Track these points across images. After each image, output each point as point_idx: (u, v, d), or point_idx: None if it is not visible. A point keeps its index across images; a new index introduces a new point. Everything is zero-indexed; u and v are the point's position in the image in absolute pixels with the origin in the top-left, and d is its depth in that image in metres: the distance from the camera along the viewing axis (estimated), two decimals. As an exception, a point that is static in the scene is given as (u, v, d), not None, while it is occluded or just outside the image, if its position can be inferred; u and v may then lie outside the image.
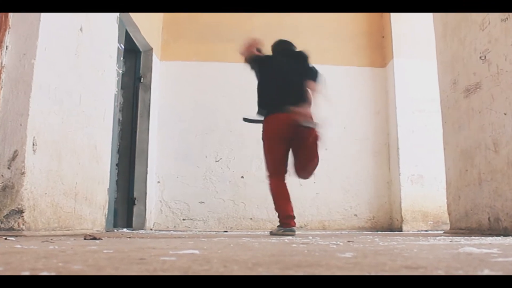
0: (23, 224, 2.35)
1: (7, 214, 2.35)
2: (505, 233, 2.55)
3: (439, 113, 3.51)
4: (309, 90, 3.40)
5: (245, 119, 3.53)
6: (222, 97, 5.28)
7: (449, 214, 3.34)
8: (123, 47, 4.27)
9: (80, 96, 3.05)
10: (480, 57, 2.89)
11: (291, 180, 5.12)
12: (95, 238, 2.14)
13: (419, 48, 5.10)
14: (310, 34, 5.45)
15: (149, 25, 4.96)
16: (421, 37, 5.03)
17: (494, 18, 2.76)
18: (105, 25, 3.52)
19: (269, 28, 5.19)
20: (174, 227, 5.04)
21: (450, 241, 1.97)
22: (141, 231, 4.17)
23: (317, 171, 5.13)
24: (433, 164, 4.64)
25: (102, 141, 3.44)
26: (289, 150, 3.40)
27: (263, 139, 3.40)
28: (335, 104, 5.30)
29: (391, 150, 5.21)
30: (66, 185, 2.83)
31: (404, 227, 4.79)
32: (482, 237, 2.38)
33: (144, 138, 4.89)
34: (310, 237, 2.59)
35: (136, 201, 4.80)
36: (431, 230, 4.64)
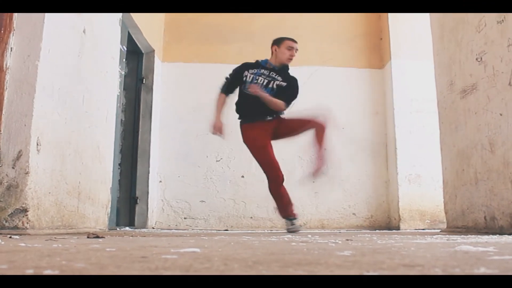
0: (27, 223, 2.38)
1: (12, 213, 2.37)
2: (501, 231, 2.57)
3: (436, 113, 3.54)
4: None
5: None
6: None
7: (446, 213, 3.37)
8: (125, 48, 4.30)
9: (83, 97, 3.08)
10: (477, 59, 2.92)
11: (290, 180, 5.17)
12: (98, 237, 2.14)
13: (416, 50, 5.12)
14: (310, 36, 5.49)
15: (151, 27, 4.99)
16: (419, 39, 5.05)
17: (490, 20, 2.79)
18: (107, 27, 3.55)
19: (269, 29, 5.22)
20: (176, 225, 5.08)
21: (447, 240, 1.97)
22: (143, 230, 4.20)
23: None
24: (430, 164, 4.67)
25: (104, 141, 3.47)
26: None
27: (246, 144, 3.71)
28: (334, 105, 5.34)
29: (389, 150, 5.25)
30: (69, 184, 2.86)
31: (401, 226, 4.82)
32: (478, 236, 2.38)
33: (146, 139, 4.93)
34: (309, 236, 2.59)
35: (138, 200, 4.84)
36: (428, 229, 4.66)
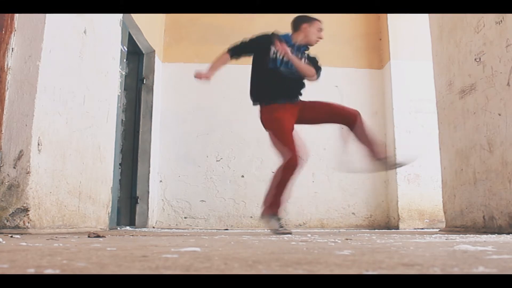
0: (28, 222, 2.39)
1: (13, 212, 2.38)
2: (499, 231, 2.59)
3: (435, 114, 3.56)
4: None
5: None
6: (223, 98, 5.32)
7: (444, 212, 3.38)
8: (126, 49, 4.31)
9: (84, 97, 3.09)
10: (475, 59, 2.94)
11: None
12: (98, 236, 2.15)
13: (415, 50, 5.13)
14: (310, 36, 5.49)
15: (151, 27, 5.00)
16: (418, 39, 5.05)
17: (488, 20, 2.80)
18: (108, 27, 3.55)
19: (269, 29, 5.21)
20: (176, 225, 5.09)
21: (446, 239, 1.99)
22: (143, 229, 4.22)
23: (315, 170, 5.20)
24: (429, 163, 4.68)
25: (105, 141, 3.48)
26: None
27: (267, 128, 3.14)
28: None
29: (388, 150, 5.24)
30: (70, 184, 2.87)
31: (400, 225, 4.83)
32: (477, 235, 2.40)
33: (147, 138, 4.95)
34: (309, 235, 2.60)
35: (138, 199, 4.85)
36: (427, 228, 4.68)
